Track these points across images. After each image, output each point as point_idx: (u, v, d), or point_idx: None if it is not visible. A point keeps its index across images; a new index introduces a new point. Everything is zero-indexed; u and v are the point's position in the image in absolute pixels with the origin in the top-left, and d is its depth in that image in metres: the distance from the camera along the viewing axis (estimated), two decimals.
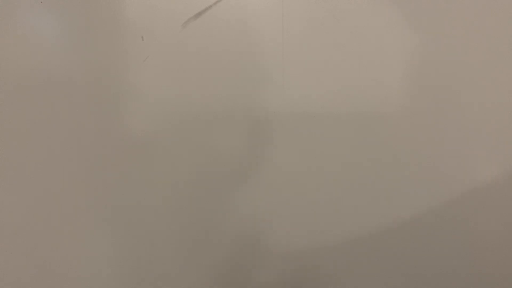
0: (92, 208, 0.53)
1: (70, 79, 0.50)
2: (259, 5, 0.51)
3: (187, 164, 0.53)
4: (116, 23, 0.50)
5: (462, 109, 0.54)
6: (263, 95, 0.53)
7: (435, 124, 0.54)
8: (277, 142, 0.54)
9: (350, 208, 0.55)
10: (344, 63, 0.53)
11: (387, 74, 0.53)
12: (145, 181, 0.53)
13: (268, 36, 0.51)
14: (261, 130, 0.53)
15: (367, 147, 0.54)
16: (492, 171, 0.55)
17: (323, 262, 0.57)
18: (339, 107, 0.53)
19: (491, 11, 0.53)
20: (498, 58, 0.53)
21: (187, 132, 0.53)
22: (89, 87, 0.50)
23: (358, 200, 0.55)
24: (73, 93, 0.50)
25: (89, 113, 0.51)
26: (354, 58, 0.53)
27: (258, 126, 0.53)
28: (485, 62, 0.53)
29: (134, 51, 0.50)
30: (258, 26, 0.51)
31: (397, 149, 0.55)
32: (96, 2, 0.49)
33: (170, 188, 0.54)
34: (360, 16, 0.52)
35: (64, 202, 0.52)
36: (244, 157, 0.54)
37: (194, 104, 0.52)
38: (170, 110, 0.52)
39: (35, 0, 0.49)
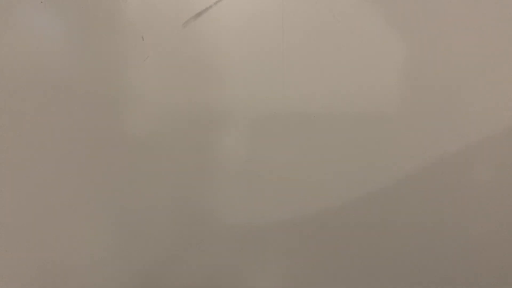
0: (91, 207, 0.53)
1: (70, 79, 0.50)
2: (259, 5, 0.51)
3: (186, 164, 0.53)
4: (116, 23, 0.50)
5: (463, 109, 0.54)
6: (263, 95, 0.53)
7: (436, 124, 0.54)
8: (277, 142, 0.54)
9: (351, 208, 0.55)
10: (344, 63, 0.53)
11: (388, 74, 0.53)
12: (144, 180, 0.53)
13: (268, 36, 0.51)
14: (261, 130, 0.53)
15: (368, 147, 0.54)
16: (492, 171, 0.55)
17: (323, 264, 0.57)
18: (339, 107, 0.53)
19: (491, 12, 0.53)
20: (499, 59, 0.53)
21: (187, 132, 0.53)
22: (89, 87, 0.50)
23: (358, 200, 0.55)
24: (73, 93, 0.50)
25: (88, 113, 0.51)
26: (354, 58, 0.53)
27: (258, 126, 0.53)
28: (486, 62, 0.53)
29: (134, 51, 0.50)
30: (258, 26, 0.51)
31: (397, 149, 0.55)
32: (96, 2, 0.49)
33: (169, 188, 0.54)
34: (360, 17, 0.52)
35: (63, 202, 0.52)
36: (244, 157, 0.54)
37: (194, 104, 0.52)
38: (170, 110, 0.52)
39: (35, 0, 0.49)
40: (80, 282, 0.54)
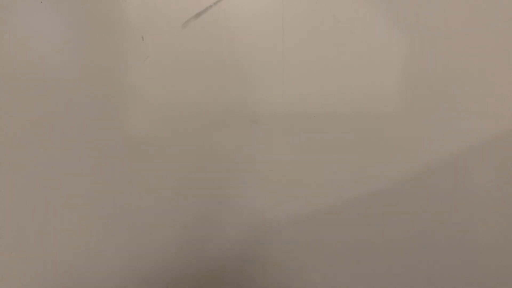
0: (91, 207, 0.53)
1: (70, 79, 0.50)
2: (259, 5, 0.51)
3: (186, 164, 0.53)
4: (116, 23, 0.50)
5: (463, 110, 0.54)
6: (263, 95, 0.53)
7: (436, 124, 0.54)
8: (277, 142, 0.54)
9: (351, 208, 0.55)
10: (344, 63, 0.53)
11: (387, 74, 0.53)
12: (144, 180, 0.53)
13: (268, 36, 0.51)
14: (261, 130, 0.53)
15: (368, 147, 0.54)
16: (493, 171, 0.55)
17: (323, 263, 0.57)
18: (339, 107, 0.53)
19: (491, 12, 0.53)
20: (499, 59, 0.53)
21: (187, 132, 0.52)
22: (89, 87, 0.50)
23: (359, 200, 0.55)
24: (73, 93, 0.50)
25: (88, 113, 0.51)
26: (354, 58, 0.53)
27: (258, 126, 0.53)
28: (487, 63, 0.53)
29: (134, 51, 0.50)
30: (258, 26, 0.51)
31: (398, 150, 0.55)
32: (96, 2, 0.49)
33: (169, 188, 0.54)
34: (360, 16, 0.52)
35: (63, 202, 0.52)
36: (243, 157, 0.54)
37: (194, 104, 0.52)
38: (170, 110, 0.52)
39: (35, 0, 0.49)
40: (80, 282, 0.54)
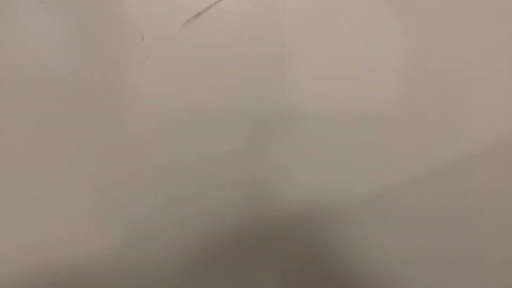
0: (90, 206, 0.53)
1: (69, 79, 0.50)
2: (259, 5, 0.51)
3: (186, 164, 0.53)
4: (116, 23, 0.50)
5: (465, 110, 0.54)
6: (263, 95, 0.53)
7: (436, 124, 0.54)
8: (277, 142, 0.54)
9: (351, 209, 0.55)
10: (344, 63, 0.53)
11: (388, 74, 0.53)
12: (144, 181, 0.53)
13: (268, 36, 0.51)
14: (261, 130, 0.53)
15: (368, 147, 0.54)
16: (492, 171, 0.55)
17: (323, 264, 0.57)
18: (339, 107, 0.53)
19: (491, 12, 0.53)
20: (499, 59, 0.53)
21: (187, 132, 0.53)
22: (88, 87, 0.50)
23: (359, 201, 0.55)
24: (73, 93, 0.50)
25: (88, 113, 0.51)
26: (354, 58, 0.53)
27: (258, 126, 0.53)
28: (487, 62, 0.53)
29: (134, 51, 0.50)
30: (258, 26, 0.51)
31: (398, 150, 0.55)
32: (96, 2, 0.49)
33: (169, 188, 0.54)
34: (360, 16, 0.52)
35: (63, 202, 0.52)
36: (243, 157, 0.54)
37: (194, 104, 0.52)
38: (170, 110, 0.52)
39: (35, 0, 0.49)
40: (80, 282, 0.54)
